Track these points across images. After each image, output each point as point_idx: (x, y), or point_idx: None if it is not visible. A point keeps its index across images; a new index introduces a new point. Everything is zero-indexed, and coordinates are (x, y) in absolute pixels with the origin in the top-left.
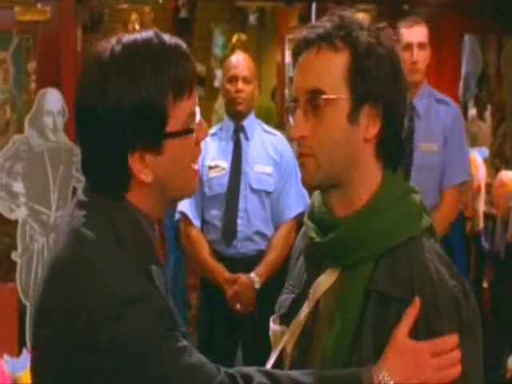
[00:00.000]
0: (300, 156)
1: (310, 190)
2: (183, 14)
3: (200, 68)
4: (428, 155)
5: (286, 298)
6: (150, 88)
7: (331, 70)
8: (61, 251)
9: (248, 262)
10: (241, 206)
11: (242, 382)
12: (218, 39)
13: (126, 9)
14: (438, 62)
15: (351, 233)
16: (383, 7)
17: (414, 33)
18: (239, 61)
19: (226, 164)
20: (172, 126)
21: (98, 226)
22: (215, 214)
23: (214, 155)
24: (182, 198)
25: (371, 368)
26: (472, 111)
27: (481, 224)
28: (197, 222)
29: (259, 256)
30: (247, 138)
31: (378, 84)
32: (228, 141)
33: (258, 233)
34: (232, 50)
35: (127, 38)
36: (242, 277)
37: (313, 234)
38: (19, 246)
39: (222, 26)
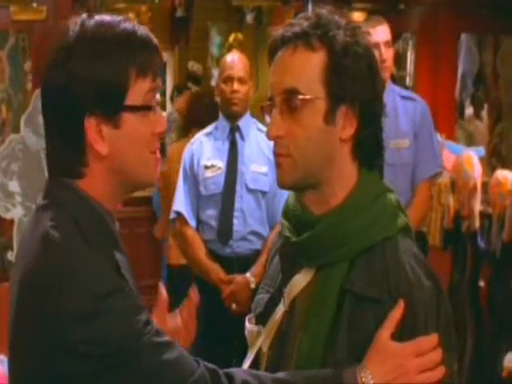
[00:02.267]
0: (276, 156)
1: (286, 189)
2: (180, 13)
3: (197, 67)
4: (399, 151)
5: (261, 297)
6: (113, 59)
7: (307, 69)
8: (30, 256)
9: (244, 262)
10: (237, 205)
11: (223, 377)
12: (215, 38)
13: (122, 8)
14: (435, 62)
15: (327, 232)
16: (379, 6)
17: (379, 32)
18: (234, 61)
19: (221, 164)
20: (130, 100)
21: (64, 225)
22: (211, 214)
23: (209, 155)
24: (139, 185)
25: (354, 368)
26: (469, 110)
27: (477, 223)
28: (192, 222)
29: (255, 256)
30: (243, 138)
31: (354, 83)
32: (224, 140)
33: (254, 232)
34: (229, 49)
35: (100, 15)
36: (238, 277)
37: (288, 233)
38: (15, 246)
39: (219, 25)
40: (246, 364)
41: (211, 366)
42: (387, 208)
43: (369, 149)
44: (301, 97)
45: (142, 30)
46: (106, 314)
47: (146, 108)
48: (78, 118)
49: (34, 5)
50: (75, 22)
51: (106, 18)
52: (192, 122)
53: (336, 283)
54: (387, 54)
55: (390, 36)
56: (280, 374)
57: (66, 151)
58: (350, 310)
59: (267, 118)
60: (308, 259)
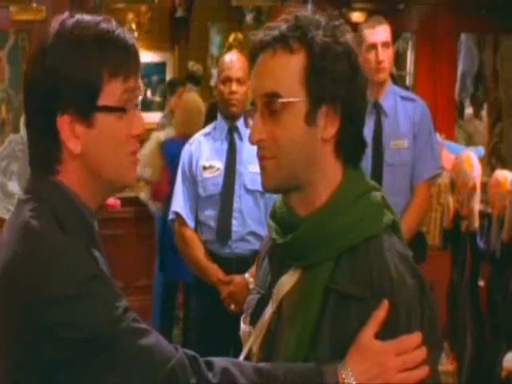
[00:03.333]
0: (260, 159)
1: (270, 192)
2: (180, 13)
3: (197, 67)
4: (399, 152)
5: (252, 298)
6: (86, 58)
7: (287, 72)
8: (10, 245)
9: (242, 263)
10: (235, 206)
11: (203, 364)
12: (215, 38)
13: (122, 8)
14: (435, 61)
15: (311, 232)
16: (379, 6)
17: (378, 33)
18: (233, 62)
19: (220, 164)
20: (103, 100)
21: (42, 215)
22: (210, 215)
23: (208, 156)
24: (115, 186)
25: (335, 365)
26: (468, 110)
27: (476, 223)
28: (191, 223)
29: (254, 256)
30: (241, 139)
31: (334, 83)
32: (222, 141)
33: (253, 233)
34: (229, 49)
35: (82, 16)
36: (237, 277)
37: (274, 235)
38: None
39: (219, 25)
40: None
41: (191, 352)
42: (371, 206)
43: (351, 147)
44: (281, 100)
45: (120, 31)
46: (86, 298)
47: (119, 109)
48: (52, 115)
49: (34, 5)
50: (57, 21)
51: (86, 17)
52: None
53: (321, 283)
54: (385, 55)
55: (389, 36)
56: (262, 365)
57: (41, 147)
58: (334, 308)
59: (250, 122)
60: (294, 260)
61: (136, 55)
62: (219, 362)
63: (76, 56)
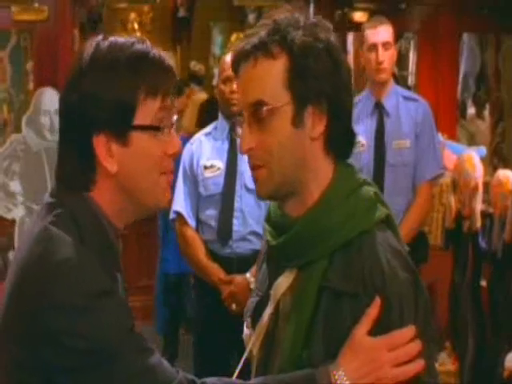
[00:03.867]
0: (252, 170)
1: (265, 200)
2: (182, 13)
3: (199, 67)
4: (401, 152)
5: (252, 301)
6: (122, 78)
7: (270, 78)
8: (27, 249)
9: (243, 262)
10: (236, 205)
11: None
12: (217, 38)
13: (124, 8)
14: (436, 61)
15: (303, 232)
16: (381, 6)
17: (378, 33)
18: None
19: (221, 164)
20: (139, 119)
21: (63, 223)
22: (211, 214)
23: (209, 155)
24: (148, 207)
25: (328, 367)
26: (470, 110)
27: (478, 223)
28: (192, 222)
29: (255, 256)
30: None
31: (318, 81)
32: (223, 140)
33: (254, 233)
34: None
35: (115, 38)
36: (238, 277)
37: (269, 237)
38: (17, 246)
39: (221, 25)
40: (238, 368)
41: (190, 376)
42: (362, 202)
43: (341, 142)
44: (266, 108)
45: (155, 51)
46: (95, 312)
47: (154, 128)
48: (88, 136)
49: (36, 5)
50: (91, 44)
51: (121, 39)
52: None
53: (315, 281)
54: (386, 56)
55: (390, 37)
56: (255, 380)
57: (76, 167)
58: (327, 305)
59: (239, 131)
60: (288, 260)
61: (173, 75)
62: (212, 382)
63: (111, 78)
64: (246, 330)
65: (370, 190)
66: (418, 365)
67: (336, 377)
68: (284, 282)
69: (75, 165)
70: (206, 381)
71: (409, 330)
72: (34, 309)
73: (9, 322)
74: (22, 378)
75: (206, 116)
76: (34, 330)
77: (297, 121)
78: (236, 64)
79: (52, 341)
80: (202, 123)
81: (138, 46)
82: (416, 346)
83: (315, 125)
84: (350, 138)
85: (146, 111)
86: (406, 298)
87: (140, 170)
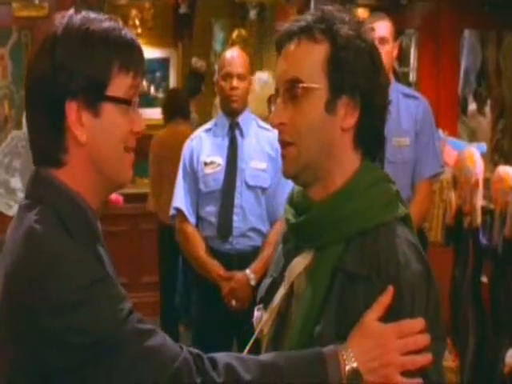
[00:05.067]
0: (281, 146)
1: (289, 179)
2: (183, 9)
3: (200, 63)
4: (401, 149)
5: (264, 282)
6: (97, 50)
7: (310, 60)
8: (15, 251)
9: (243, 259)
10: (236, 202)
11: (207, 361)
12: (218, 34)
13: (125, 4)
14: (437, 58)
15: (322, 214)
16: (382, 2)
17: (375, 28)
18: (233, 57)
19: (221, 160)
20: (111, 91)
21: (47, 220)
22: (211, 211)
23: (209, 151)
24: (115, 182)
25: (337, 347)
26: (471, 106)
27: (479, 219)
28: (192, 219)
29: (255, 252)
30: (242, 135)
31: (354, 75)
32: (223, 137)
33: (254, 229)
34: (232, 46)
35: (87, 12)
36: (238, 274)
37: (289, 216)
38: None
39: (222, 21)
40: (247, 346)
41: (195, 351)
42: (384, 195)
43: (369, 139)
44: (302, 85)
45: (127, 30)
46: (90, 303)
47: (126, 102)
48: (60, 102)
49: (36, 1)
50: (62, 16)
51: (92, 14)
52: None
53: (329, 263)
54: (381, 51)
55: (387, 32)
56: (264, 356)
57: (47, 136)
58: (340, 287)
59: (272, 109)
60: (305, 241)
61: (142, 55)
62: (222, 358)
63: (87, 48)
64: (256, 313)
65: (392, 187)
66: (426, 358)
67: (344, 357)
68: (300, 262)
69: (46, 132)
70: (216, 356)
71: (419, 321)
72: (30, 311)
73: (4, 326)
74: (22, 379)
75: None
76: (32, 331)
77: (330, 107)
78: (279, 42)
79: (52, 341)
80: None
81: (111, 23)
82: (424, 338)
83: (347, 116)
84: (378, 138)
85: (119, 85)
86: (419, 289)
87: (107, 142)
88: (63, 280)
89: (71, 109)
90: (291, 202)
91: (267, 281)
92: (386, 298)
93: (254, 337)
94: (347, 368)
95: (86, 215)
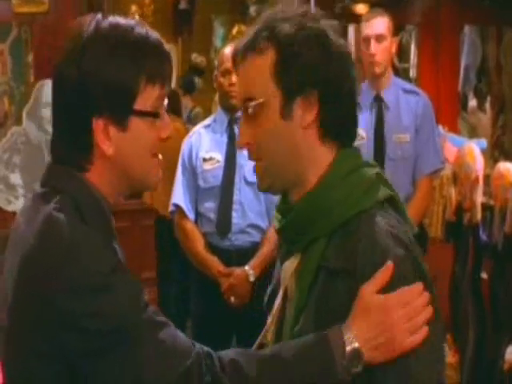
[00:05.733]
0: (254, 162)
1: (265, 192)
2: (183, 5)
3: (200, 59)
4: (401, 146)
5: (268, 289)
6: (125, 63)
7: (258, 74)
8: (32, 237)
9: (243, 255)
10: (235, 198)
11: (216, 359)
12: (218, 30)
13: (125, 0)
14: (438, 54)
15: (301, 212)
16: None
17: (372, 25)
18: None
19: (220, 156)
20: (139, 105)
21: (66, 208)
22: (210, 207)
23: (208, 148)
24: (141, 187)
25: (339, 327)
26: (472, 102)
27: (479, 215)
28: (191, 215)
29: (254, 248)
30: None
31: (304, 73)
32: (222, 133)
33: (253, 225)
34: (232, 41)
35: (114, 17)
36: (237, 270)
37: (276, 222)
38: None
39: (222, 17)
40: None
41: (206, 348)
42: (361, 182)
43: (336, 129)
44: (254, 103)
45: (154, 36)
46: (108, 289)
47: (153, 115)
48: (87, 118)
49: None
50: (89, 21)
51: (121, 20)
52: None
53: (314, 261)
54: (378, 48)
55: (385, 29)
56: (267, 349)
57: (73, 147)
58: (322, 284)
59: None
60: (291, 244)
61: (170, 61)
62: (227, 354)
63: (115, 61)
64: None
65: (371, 170)
66: (427, 313)
67: (345, 338)
68: (290, 266)
69: (72, 143)
70: (221, 353)
71: (416, 286)
72: (48, 295)
73: (21, 312)
74: (41, 366)
75: None
76: (50, 316)
77: (285, 113)
78: (235, 65)
79: (70, 325)
80: None
81: (140, 30)
82: (424, 297)
83: (305, 114)
84: (347, 124)
85: (146, 97)
86: (405, 273)
87: (135, 153)
88: (83, 266)
89: (98, 126)
90: (278, 208)
91: (270, 287)
92: (386, 271)
93: (257, 341)
94: (348, 349)
95: (101, 208)
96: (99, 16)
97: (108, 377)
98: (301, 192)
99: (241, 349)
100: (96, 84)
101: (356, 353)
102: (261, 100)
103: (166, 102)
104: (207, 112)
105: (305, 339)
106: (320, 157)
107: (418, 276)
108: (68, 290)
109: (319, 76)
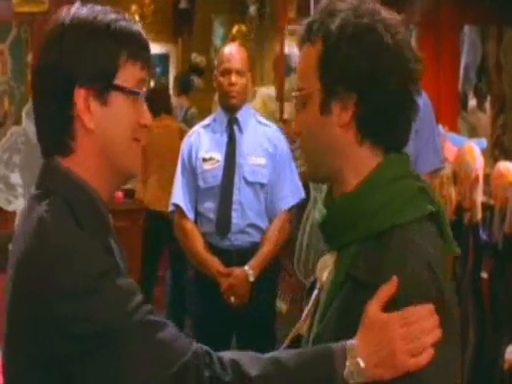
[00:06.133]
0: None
1: (311, 181)
2: (183, 5)
3: (200, 59)
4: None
5: (311, 278)
6: (105, 39)
7: (306, 64)
8: (25, 240)
9: (242, 255)
10: (235, 198)
11: (216, 358)
12: (218, 30)
13: (125, 0)
14: (437, 53)
15: (337, 214)
16: None
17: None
18: (232, 53)
19: (220, 156)
20: (120, 81)
21: (58, 210)
22: (209, 207)
23: (207, 147)
24: (124, 171)
25: (345, 342)
26: (472, 102)
27: (479, 215)
28: (191, 215)
29: (254, 248)
30: (241, 130)
31: (344, 69)
32: (222, 133)
33: (253, 225)
34: (232, 41)
35: (92, 6)
36: (236, 270)
37: (319, 216)
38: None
39: (222, 17)
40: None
41: (204, 347)
42: (401, 194)
43: (374, 131)
44: (298, 93)
45: (134, 22)
46: (98, 293)
47: (133, 93)
48: (68, 88)
49: None
50: (68, 8)
51: (99, 7)
52: None
53: (344, 267)
54: None
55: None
56: (272, 353)
57: (55, 122)
58: (348, 292)
59: None
60: (327, 241)
61: (149, 48)
62: (228, 355)
63: (95, 38)
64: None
65: (414, 183)
66: (435, 336)
67: (348, 351)
68: (326, 263)
69: (55, 119)
70: (221, 354)
71: (426, 307)
72: (39, 300)
73: (15, 313)
74: (32, 372)
75: None
76: (42, 321)
77: (324, 108)
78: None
79: (60, 330)
80: None
81: (118, 15)
82: (432, 322)
83: (342, 113)
84: (388, 127)
85: (126, 75)
86: (421, 297)
87: (115, 130)
88: (72, 269)
89: (79, 96)
90: (322, 200)
91: (310, 281)
92: (389, 288)
93: (292, 332)
94: (348, 363)
95: (96, 207)
96: (78, 3)
97: (99, 379)
98: (340, 190)
99: (241, 351)
100: (77, 58)
101: (356, 367)
102: (305, 91)
103: (144, 91)
104: (207, 112)
105: (311, 350)
106: (361, 159)
107: (436, 300)
108: (57, 294)
109: (357, 75)
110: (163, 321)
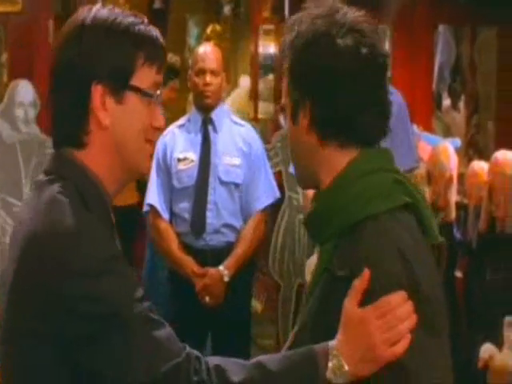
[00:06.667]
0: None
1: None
2: (157, 4)
3: (175, 59)
4: None
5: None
6: (123, 40)
7: (284, 83)
8: (36, 218)
9: (217, 255)
10: (210, 198)
11: (204, 363)
12: (193, 30)
13: None
14: (412, 53)
15: (312, 213)
16: None
17: None
18: (206, 53)
19: (194, 156)
20: (136, 81)
21: (69, 193)
22: (184, 207)
23: (182, 147)
24: (132, 170)
25: (327, 344)
26: (446, 101)
27: (453, 214)
28: (165, 215)
29: (228, 248)
30: (215, 130)
31: (300, 77)
32: (196, 133)
33: (227, 225)
34: (207, 41)
35: (112, 7)
36: (211, 270)
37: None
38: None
39: (197, 17)
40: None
41: (195, 351)
42: (373, 186)
43: (329, 131)
44: (280, 106)
45: (153, 27)
46: (108, 274)
47: (148, 94)
48: (86, 84)
49: None
50: (89, 9)
51: (119, 10)
52: None
53: (323, 262)
54: None
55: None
56: (254, 359)
57: (71, 116)
58: (323, 287)
59: None
60: (311, 238)
61: (165, 53)
62: (214, 361)
63: (113, 38)
64: None
65: (389, 175)
66: (411, 322)
67: (330, 351)
68: (311, 262)
69: (71, 112)
70: (210, 359)
71: (397, 295)
72: (50, 278)
73: (19, 292)
74: (35, 348)
75: None
76: (48, 298)
77: (294, 119)
78: None
79: (68, 308)
80: None
81: (137, 18)
82: (405, 308)
83: (303, 118)
84: (349, 125)
85: (142, 77)
86: (394, 288)
87: (129, 129)
88: (85, 249)
89: (96, 92)
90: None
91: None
92: (361, 283)
93: (290, 336)
94: (330, 364)
95: (103, 198)
96: (100, 5)
97: (98, 362)
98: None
99: (229, 358)
100: (95, 56)
101: (339, 367)
102: (283, 104)
103: (160, 95)
104: (181, 112)
105: (292, 352)
106: (330, 158)
107: (407, 286)
108: (67, 273)
109: (308, 80)
110: (161, 320)
